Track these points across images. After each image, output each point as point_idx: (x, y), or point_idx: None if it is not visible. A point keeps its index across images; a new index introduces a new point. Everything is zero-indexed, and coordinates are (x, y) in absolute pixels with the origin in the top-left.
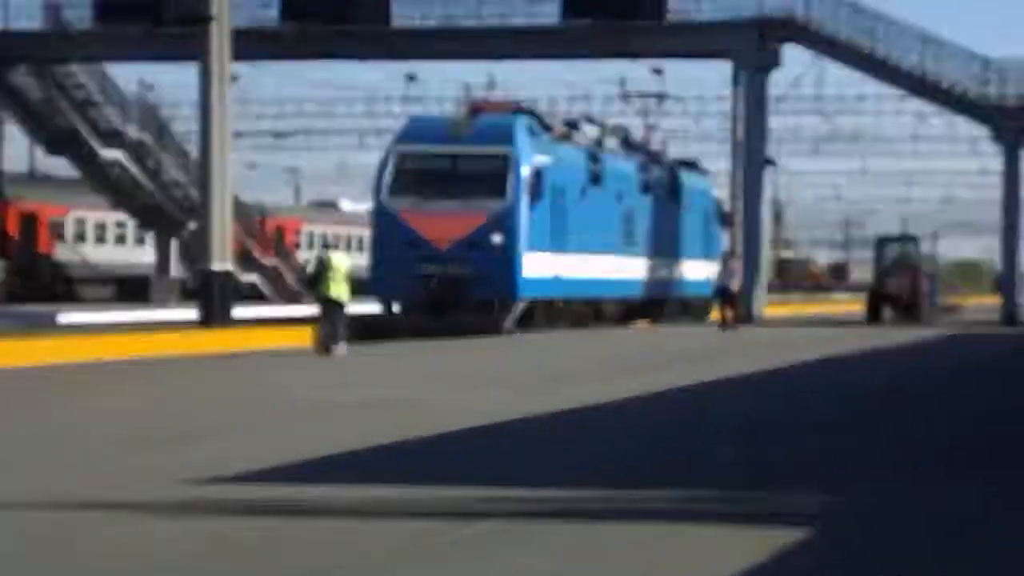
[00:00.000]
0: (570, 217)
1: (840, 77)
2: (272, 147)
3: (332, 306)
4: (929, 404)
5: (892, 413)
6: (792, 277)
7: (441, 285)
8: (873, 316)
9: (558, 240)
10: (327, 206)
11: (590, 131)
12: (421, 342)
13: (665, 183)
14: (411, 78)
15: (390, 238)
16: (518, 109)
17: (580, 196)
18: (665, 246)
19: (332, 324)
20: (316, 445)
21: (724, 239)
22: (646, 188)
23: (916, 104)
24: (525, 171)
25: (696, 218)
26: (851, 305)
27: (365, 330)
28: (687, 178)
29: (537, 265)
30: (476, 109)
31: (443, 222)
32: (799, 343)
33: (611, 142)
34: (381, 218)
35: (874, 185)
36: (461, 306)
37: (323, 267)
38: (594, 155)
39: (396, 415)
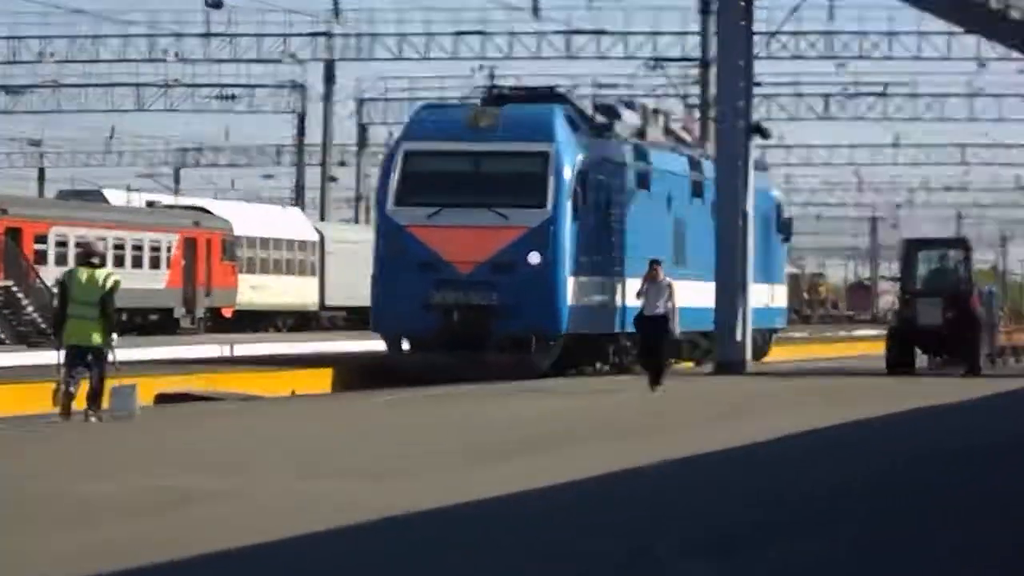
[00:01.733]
0: (615, 231)
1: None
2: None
3: (81, 354)
4: None
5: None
6: (792, 302)
7: (462, 317)
8: (898, 362)
9: (604, 260)
10: (90, 197)
11: (630, 119)
12: (415, 390)
13: (712, 182)
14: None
15: (398, 258)
16: (551, 95)
17: (626, 203)
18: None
19: (77, 379)
20: None
21: (784, 255)
22: (697, 191)
23: (972, 43)
24: (568, 173)
25: (755, 228)
26: (876, 345)
27: (367, 375)
28: None
29: (581, 292)
30: (499, 96)
31: (465, 238)
32: (766, 409)
33: (654, 132)
34: (386, 233)
35: (911, 164)
36: (487, 343)
37: (64, 296)
38: (640, 151)
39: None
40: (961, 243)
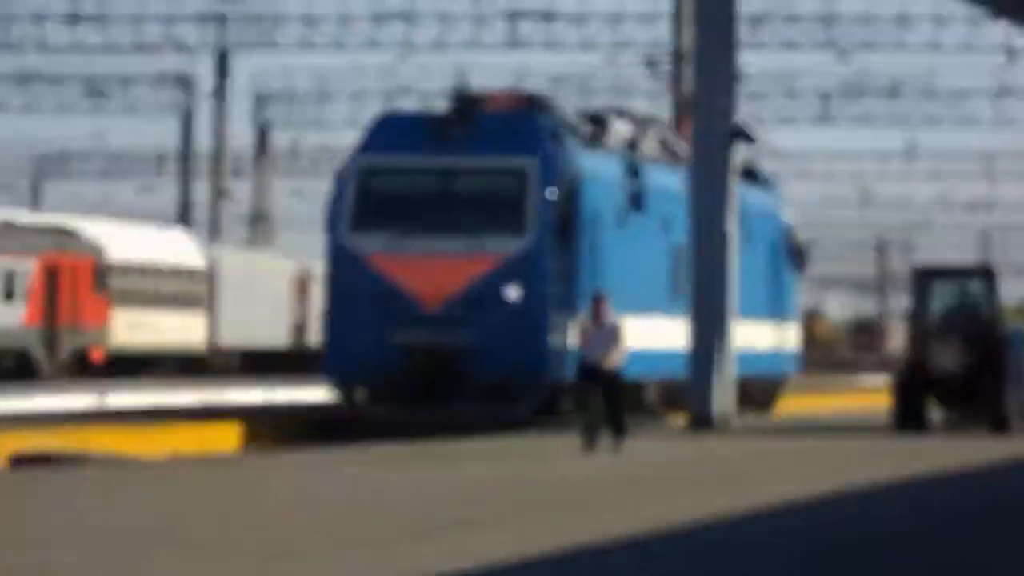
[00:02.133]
0: (607, 260)
1: None
2: None
3: None
4: None
5: None
6: None
7: (429, 361)
8: (908, 417)
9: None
10: None
11: (621, 129)
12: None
13: None
14: None
15: (353, 293)
16: (530, 100)
17: (618, 227)
18: (745, 312)
19: None
20: None
21: (797, 288)
22: None
23: (1000, 31)
24: (553, 193)
25: (759, 256)
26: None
27: (315, 428)
28: (748, 195)
29: (567, 331)
30: (472, 101)
31: (432, 269)
32: (723, 479)
33: (648, 144)
34: (340, 263)
35: (927, 177)
36: (459, 391)
37: None
38: (633, 166)
39: None
40: (984, 272)
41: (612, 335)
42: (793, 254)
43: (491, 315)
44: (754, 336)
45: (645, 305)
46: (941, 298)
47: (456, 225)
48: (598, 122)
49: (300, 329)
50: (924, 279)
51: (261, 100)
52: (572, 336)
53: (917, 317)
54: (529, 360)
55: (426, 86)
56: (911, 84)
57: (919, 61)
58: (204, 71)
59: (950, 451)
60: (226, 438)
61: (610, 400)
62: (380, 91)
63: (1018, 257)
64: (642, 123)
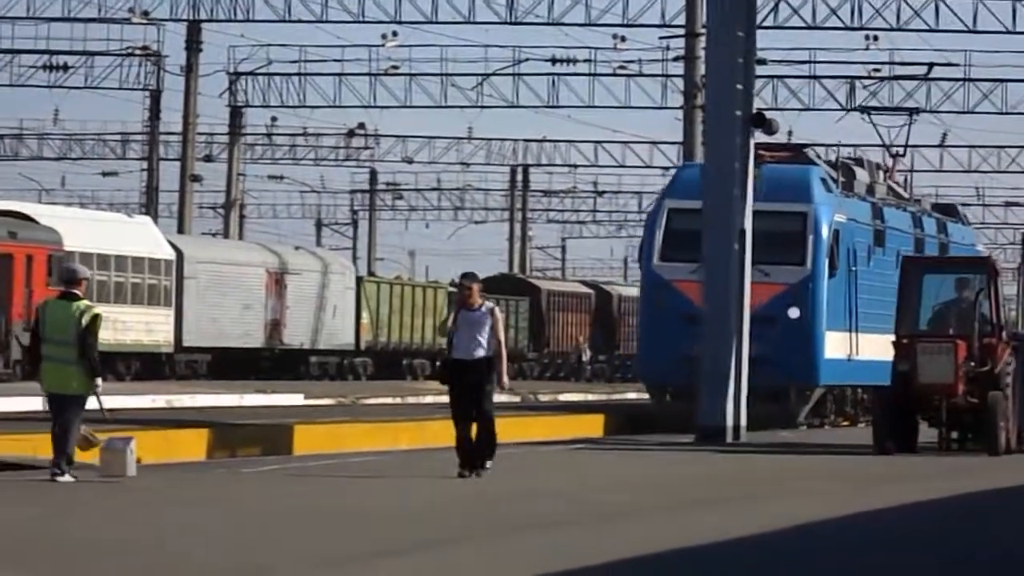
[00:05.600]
0: (860, 287)
1: None
2: None
3: (57, 402)
4: None
5: None
6: None
7: None
8: (885, 438)
9: (851, 315)
10: None
11: (862, 176)
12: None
13: (936, 239)
14: None
15: (661, 311)
16: (800, 155)
17: (867, 260)
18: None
19: (61, 431)
20: None
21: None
22: (920, 248)
23: None
24: (824, 232)
25: None
26: None
27: (628, 422)
28: (950, 227)
29: (835, 346)
30: (757, 156)
31: None
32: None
33: (880, 188)
34: (651, 287)
35: (962, 171)
36: (748, 392)
37: (37, 331)
38: (877, 209)
39: None
40: (982, 264)
41: (487, 322)
42: None
43: (775, 331)
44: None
45: (886, 324)
46: (932, 296)
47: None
48: (848, 171)
49: (276, 327)
50: (912, 272)
51: (235, 77)
52: (841, 349)
53: (903, 318)
54: (806, 368)
55: (415, 67)
56: (945, 70)
57: (955, 44)
58: (174, 46)
59: (921, 476)
60: (193, 445)
61: (478, 401)
62: (363, 71)
63: None
64: (874, 169)
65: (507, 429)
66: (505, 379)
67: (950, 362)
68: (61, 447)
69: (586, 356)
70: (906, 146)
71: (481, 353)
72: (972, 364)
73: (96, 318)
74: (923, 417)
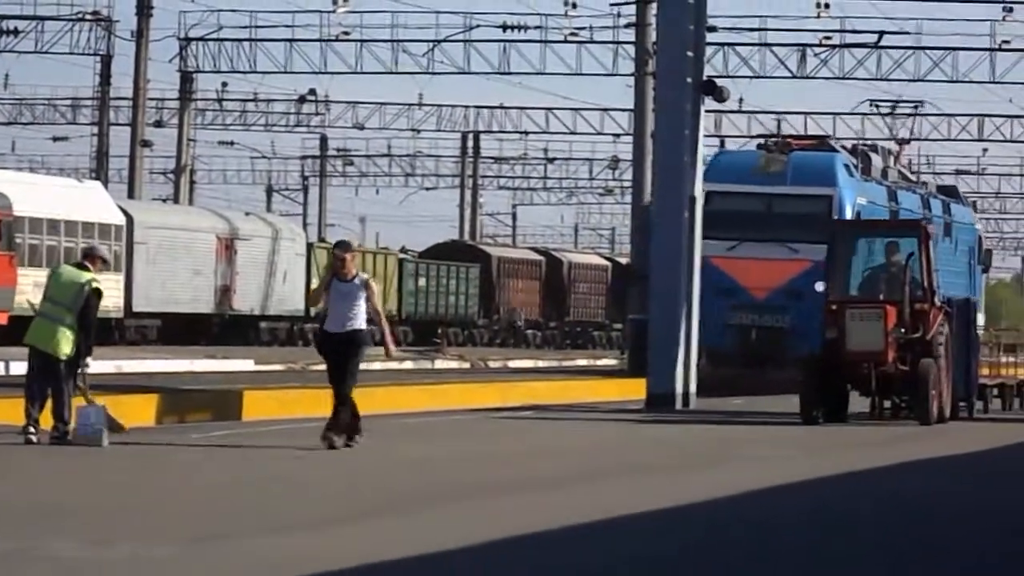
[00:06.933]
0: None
1: None
2: None
3: (41, 360)
4: None
5: None
6: None
7: (758, 337)
8: (812, 408)
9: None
10: None
11: (877, 161)
12: None
13: (941, 219)
14: None
15: (701, 285)
16: (824, 143)
17: None
18: None
19: (37, 393)
20: None
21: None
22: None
23: None
24: (848, 213)
25: (963, 262)
26: None
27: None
28: (952, 207)
29: None
30: (785, 144)
31: (760, 268)
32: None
33: (892, 173)
34: None
35: (913, 139)
36: (776, 361)
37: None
38: (892, 192)
39: None
40: (914, 228)
41: (360, 294)
42: (981, 257)
43: (803, 303)
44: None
45: None
46: (863, 260)
47: (777, 236)
48: (864, 157)
49: (226, 293)
50: (842, 236)
51: (186, 43)
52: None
53: (832, 283)
54: None
55: (366, 33)
56: (896, 37)
57: (905, 11)
58: (125, 9)
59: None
60: (142, 410)
61: (341, 372)
62: (314, 36)
63: (1010, 227)
64: (886, 154)
65: (523, 392)
66: (392, 347)
67: (879, 328)
68: (58, 413)
69: (520, 321)
70: (909, 139)
71: (354, 325)
72: (903, 330)
73: (98, 291)
74: (853, 386)
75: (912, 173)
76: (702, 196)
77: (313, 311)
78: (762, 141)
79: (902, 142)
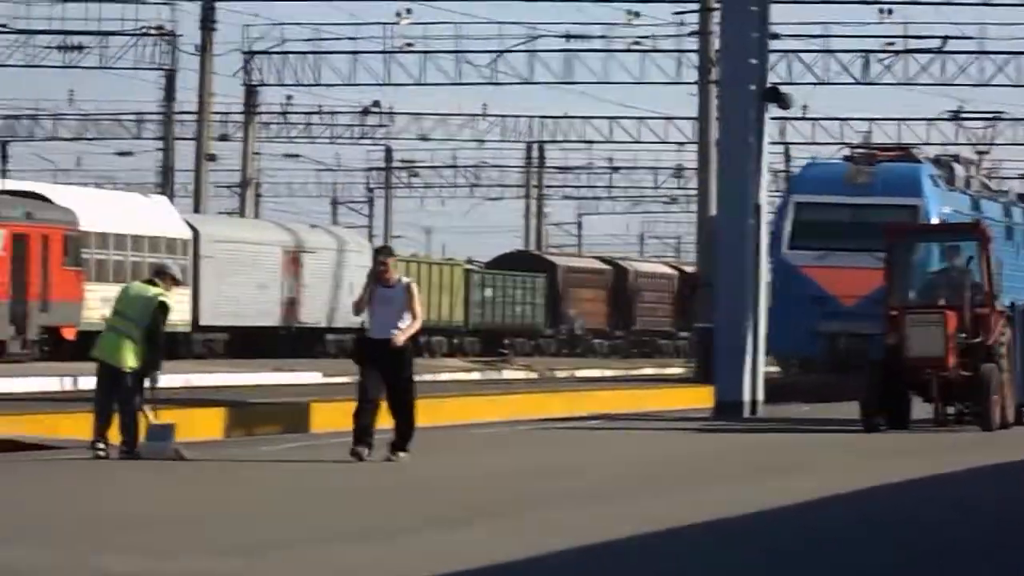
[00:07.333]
0: None
1: None
2: None
3: (109, 374)
4: None
5: None
6: None
7: (847, 344)
8: (873, 415)
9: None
10: None
11: (959, 172)
12: None
13: (1022, 226)
14: None
15: (790, 292)
16: (908, 154)
17: None
18: None
19: (105, 406)
20: None
21: None
22: (1010, 235)
23: None
24: (934, 222)
25: None
26: None
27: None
28: (1019, 208)
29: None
30: (871, 155)
31: (848, 277)
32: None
33: (975, 183)
34: (780, 271)
35: (976, 143)
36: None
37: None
38: (975, 201)
39: None
40: (972, 231)
41: (404, 300)
42: None
43: None
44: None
45: None
46: (923, 265)
47: (864, 245)
48: (948, 168)
49: (292, 305)
50: (900, 240)
51: (250, 57)
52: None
53: (892, 288)
54: None
55: (429, 44)
56: (960, 43)
57: (969, 17)
58: (188, 25)
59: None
60: (210, 424)
61: (398, 382)
62: (380, 49)
63: None
64: (968, 164)
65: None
66: (402, 337)
67: (940, 334)
68: (124, 427)
69: (581, 329)
70: (989, 148)
71: (398, 332)
72: (964, 336)
73: (164, 305)
74: (915, 392)
75: (991, 181)
76: (766, 204)
77: (358, 321)
78: (849, 152)
79: (982, 152)
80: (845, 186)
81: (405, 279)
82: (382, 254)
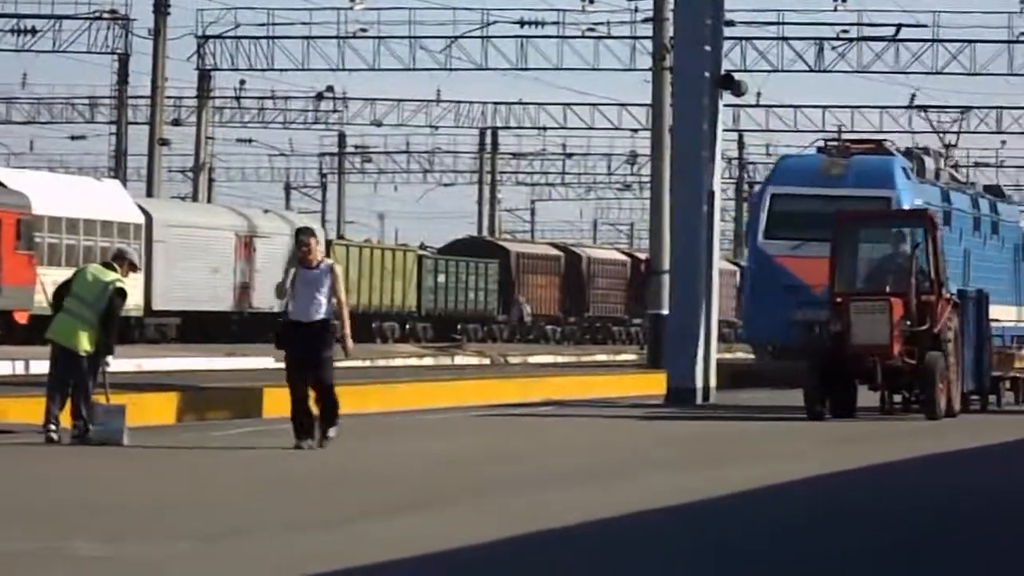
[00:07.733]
0: None
1: None
2: None
3: (63, 356)
4: None
5: None
6: None
7: (822, 332)
8: (816, 402)
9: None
10: None
11: (929, 164)
12: None
13: (989, 219)
14: None
15: (765, 281)
16: (882, 148)
17: None
18: (997, 298)
19: (58, 389)
20: None
21: None
22: (977, 226)
23: None
24: None
25: (1009, 258)
26: None
27: (732, 377)
28: (999, 206)
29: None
30: (845, 148)
31: (821, 266)
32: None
33: (943, 175)
34: (756, 260)
35: (931, 132)
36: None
37: (63, 289)
38: (945, 193)
39: None
40: (919, 217)
41: (327, 280)
42: None
43: None
44: (1002, 317)
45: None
46: (868, 252)
47: None
48: (919, 160)
49: (245, 290)
50: (846, 228)
51: (204, 41)
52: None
53: (836, 276)
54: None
55: (383, 30)
56: (914, 30)
57: (923, 4)
58: (142, 9)
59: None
60: (162, 409)
61: (318, 366)
62: (332, 34)
63: None
64: (937, 156)
65: (543, 387)
66: (349, 343)
67: (885, 321)
68: (77, 410)
69: (528, 316)
70: (958, 134)
71: (320, 314)
72: (909, 323)
73: (121, 291)
74: (862, 380)
75: (959, 173)
76: (720, 190)
77: (279, 306)
78: (822, 145)
79: (949, 145)
80: (819, 178)
81: (328, 261)
82: (304, 234)
